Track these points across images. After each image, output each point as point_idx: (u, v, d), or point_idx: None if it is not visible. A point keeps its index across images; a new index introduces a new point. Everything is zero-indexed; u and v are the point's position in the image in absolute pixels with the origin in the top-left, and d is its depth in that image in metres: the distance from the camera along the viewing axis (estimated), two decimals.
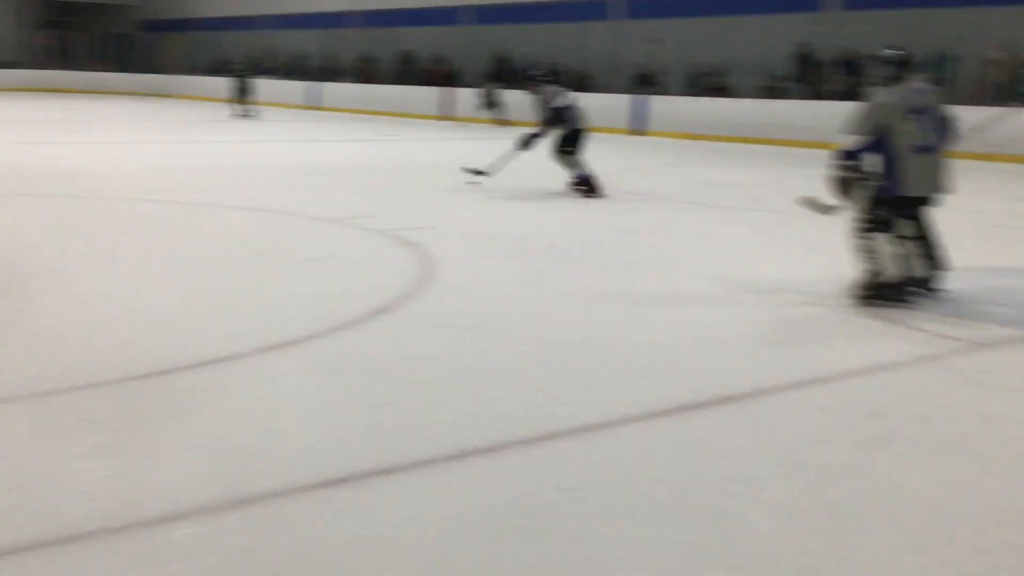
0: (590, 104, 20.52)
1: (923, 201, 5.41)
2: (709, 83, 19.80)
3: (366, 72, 28.57)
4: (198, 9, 37.88)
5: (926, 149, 5.31)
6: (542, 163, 11.05)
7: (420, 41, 27.27)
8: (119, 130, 18.06)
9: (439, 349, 4.42)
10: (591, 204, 9.58)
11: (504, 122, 21.16)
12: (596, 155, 14.71)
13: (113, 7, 41.47)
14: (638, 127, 20.12)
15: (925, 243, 5.45)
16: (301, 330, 4.64)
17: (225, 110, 23.65)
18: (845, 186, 5.38)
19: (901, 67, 5.42)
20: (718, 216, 9.06)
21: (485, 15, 26.01)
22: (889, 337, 4.79)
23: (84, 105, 27.25)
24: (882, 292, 5.35)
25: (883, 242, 5.37)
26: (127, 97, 33.67)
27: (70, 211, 8.25)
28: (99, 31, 39.12)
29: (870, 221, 5.37)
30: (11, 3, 39.27)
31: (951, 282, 5.70)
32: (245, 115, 22.54)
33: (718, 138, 18.62)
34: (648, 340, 4.68)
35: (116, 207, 8.54)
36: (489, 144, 17.39)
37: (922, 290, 5.46)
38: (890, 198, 5.32)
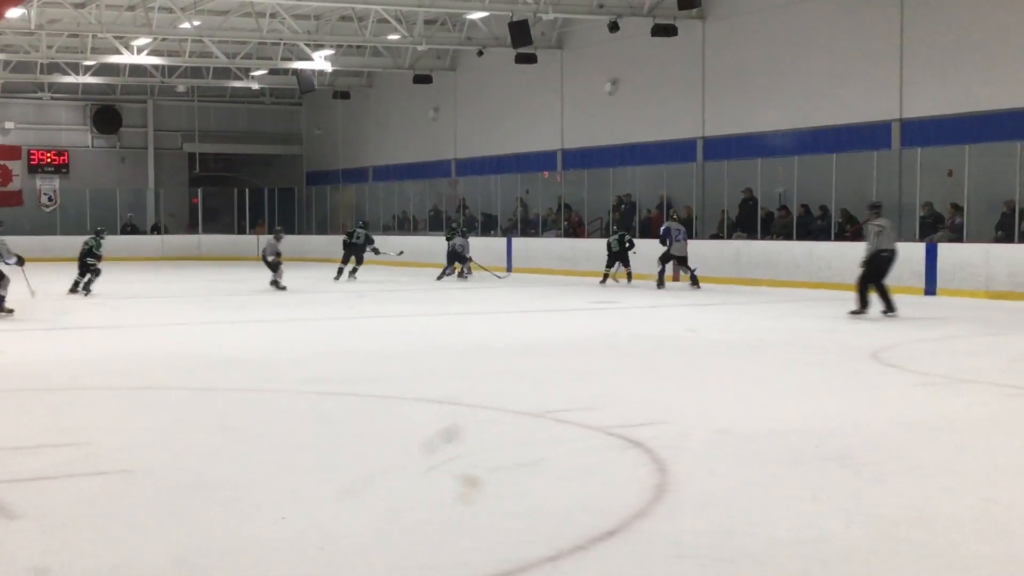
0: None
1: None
2: None
3: (568, 223, 29.45)
4: (372, 157, 40.45)
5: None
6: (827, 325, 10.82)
7: (641, 182, 27.97)
8: (280, 305, 19.20)
9: None
10: (877, 388, 9.40)
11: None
12: (879, 324, 14.56)
13: (278, 159, 45.00)
14: (930, 283, 19.78)
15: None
16: (507, 560, 4.71)
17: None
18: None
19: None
20: None
21: (720, 148, 26.52)
22: None
23: (239, 274, 29.23)
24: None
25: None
26: (290, 262, 35.90)
27: (231, 407, 8.79)
28: (260, 185, 42.32)
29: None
30: (169, 160, 43.46)
31: None
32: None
33: None
34: None
35: (281, 402, 9.04)
36: (728, 309, 17.43)
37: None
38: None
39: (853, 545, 4.97)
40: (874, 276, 15.30)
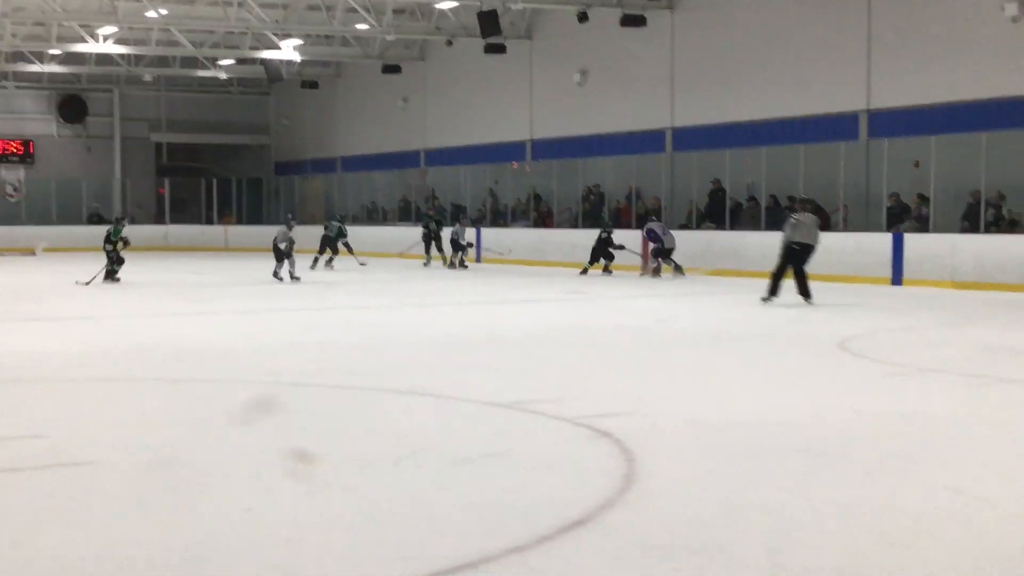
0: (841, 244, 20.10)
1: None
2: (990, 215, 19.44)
3: (538, 213, 29.49)
4: (341, 147, 40.29)
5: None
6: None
7: (610, 173, 28.02)
8: (249, 296, 19.12)
9: None
10: (845, 378, 9.45)
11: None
12: (846, 314, 14.70)
13: (245, 149, 44.75)
14: (896, 274, 19.91)
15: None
16: (474, 551, 4.70)
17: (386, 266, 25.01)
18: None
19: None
20: (1016, 398, 8.75)
21: (689, 138, 26.57)
22: None
23: (207, 264, 29.09)
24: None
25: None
26: (257, 253, 35.77)
27: (199, 399, 8.75)
28: (227, 175, 42.10)
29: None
30: (136, 150, 43.17)
31: None
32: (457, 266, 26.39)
33: (1008, 287, 18.12)
34: None
35: (250, 394, 8.98)
36: (696, 300, 17.49)
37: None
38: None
39: (821, 535, 4.99)
40: (788, 266, 15.88)
